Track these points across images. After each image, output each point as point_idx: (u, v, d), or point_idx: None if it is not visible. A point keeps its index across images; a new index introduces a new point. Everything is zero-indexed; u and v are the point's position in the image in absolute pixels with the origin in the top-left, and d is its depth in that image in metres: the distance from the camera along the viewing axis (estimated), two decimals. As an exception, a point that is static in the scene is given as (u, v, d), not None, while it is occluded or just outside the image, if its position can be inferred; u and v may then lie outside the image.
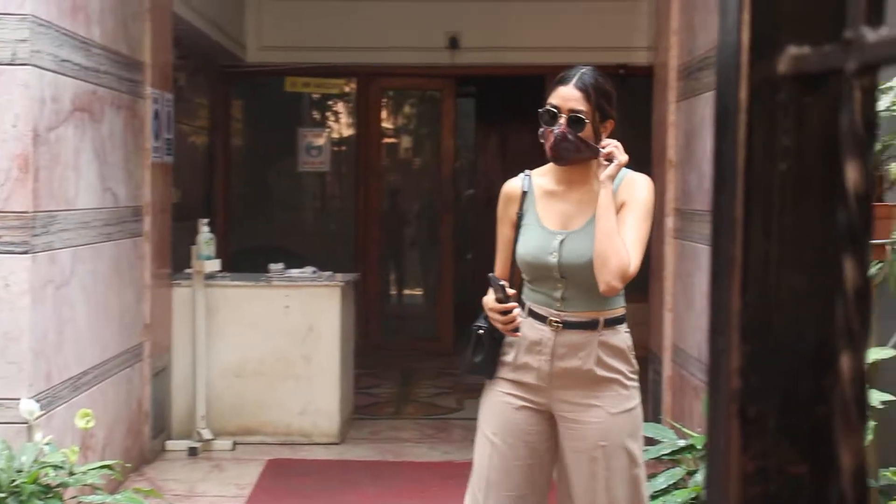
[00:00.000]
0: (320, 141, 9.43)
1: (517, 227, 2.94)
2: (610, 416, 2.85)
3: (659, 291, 5.80)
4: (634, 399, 2.91)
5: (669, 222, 5.65)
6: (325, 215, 9.76)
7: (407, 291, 10.03)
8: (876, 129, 0.79)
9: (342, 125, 9.82)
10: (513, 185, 3.00)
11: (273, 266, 6.48)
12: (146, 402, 5.71)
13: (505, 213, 3.00)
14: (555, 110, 2.86)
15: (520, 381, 2.91)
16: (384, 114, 9.77)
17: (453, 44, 9.06)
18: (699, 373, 4.97)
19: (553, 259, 2.86)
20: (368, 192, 9.39)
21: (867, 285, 0.73)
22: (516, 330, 2.84)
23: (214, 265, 6.04)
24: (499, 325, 2.84)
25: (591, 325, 2.85)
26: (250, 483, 5.34)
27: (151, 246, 5.70)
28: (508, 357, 2.93)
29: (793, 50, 0.82)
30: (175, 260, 6.23)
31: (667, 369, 5.58)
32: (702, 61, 5.09)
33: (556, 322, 2.85)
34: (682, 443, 3.61)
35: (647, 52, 8.64)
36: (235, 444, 6.02)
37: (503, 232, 3.00)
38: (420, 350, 9.04)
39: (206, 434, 5.97)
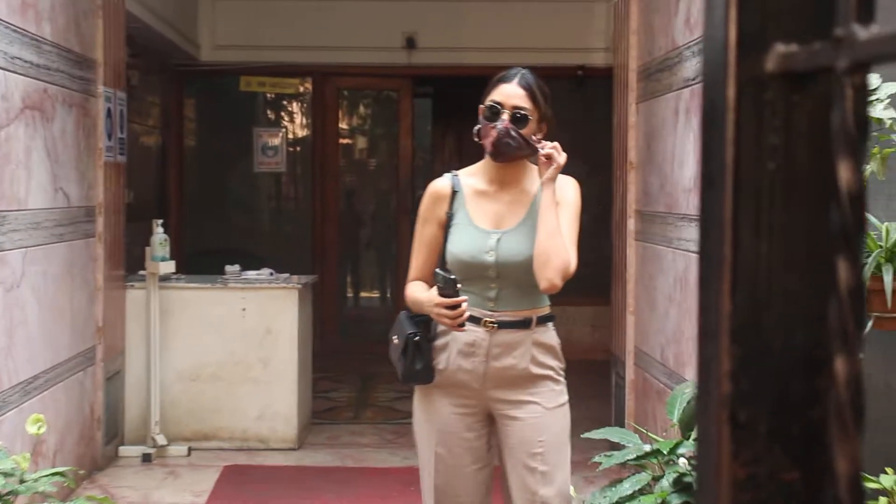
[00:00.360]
0: (276, 141, 9.37)
1: (446, 226, 2.97)
2: (546, 411, 2.93)
3: (621, 294, 5.82)
4: (565, 395, 3.01)
5: (631, 224, 5.67)
6: (282, 216, 9.71)
7: (364, 294, 10.00)
8: (868, 128, 0.79)
9: (298, 125, 9.77)
10: (441, 185, 3.02)
11: (229, 268, 6.45)
12: (99, 407, 5.65)
13: (432, 213, 3.01)
14: (498, 106, 2.90)
15: (454, 385, 2.94)
16: (340, 114, 9.73)
17: (410, 43, 9.05)
18: (662, 376, 4.98)
19: (490, 258, 2.89)
20: (325, 192, 9.35)
21: (861, 286, 0.73)
22: (462, 325, 2.84)
23: (169, 267, 5.99)
24: (446, 322, 2.83)
25: (524, 324, 2.92)
26: (206, 490, 5.30)
27: (104, 247, 5.65)
28: (440, 362, 2.95)
29: (780, 48, 0.82)
30: (128, 261, 6.18)
31: (630, 373, 5.59)
32: (662, 63, 5.11)
33: (492, 322, 2.90)
34: (647, 447, 3.57)
35: (605, 53, 8.69)
36: (191, 449, 5.98)
37: (427, 232, 3.00)
38: (378, 353, 8.94)
39: (161, 440, 5.93)
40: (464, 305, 2.81)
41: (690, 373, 4.43)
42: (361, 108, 10.26)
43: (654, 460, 3.61)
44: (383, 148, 10.04)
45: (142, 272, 6.08)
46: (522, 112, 2.91)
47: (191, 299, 6.13)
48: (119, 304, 5.99)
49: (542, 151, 2.87)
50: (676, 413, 3.73)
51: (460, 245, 2.93)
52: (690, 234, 4.56)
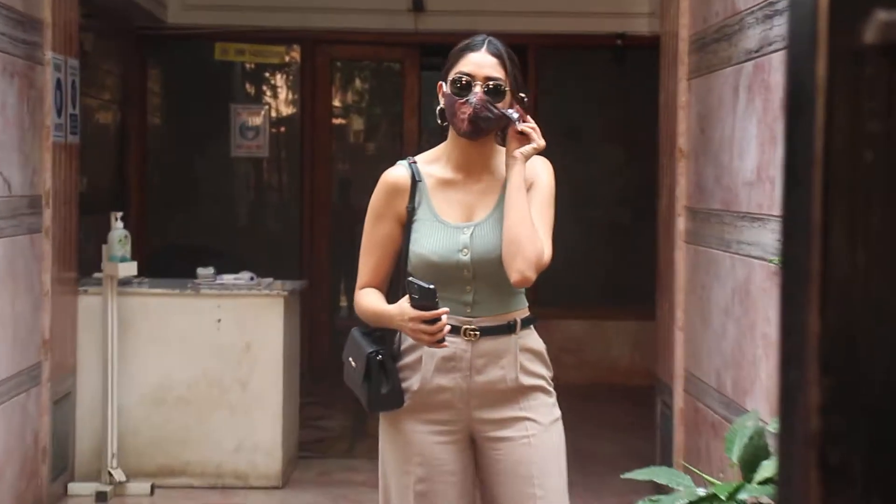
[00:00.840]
0: (257, 120, 9.40)
1: (406, 224, 3.00)
2: (542, 428, 2.99)
3: (668, 307, 5.82)
4: (558, 408, 3.06)
5: (680, 224, 5.67)
6: (264, 210, 9.73)
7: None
8: None
9: (283, 102, 9.80)
10: (398, 175, 3.05)
11: (202, 270, 6.46)
12: (44, 436, 5.66)
13: (388, 208, 3.04)
14: (469, 78, 2.95)
15: (433, 408, 2.98)
16: (333, 89, 9.75)
17: (417, 5, 9.07)
18: (718, 406, 4.98)
19: (464, 256, 2.95)
20: (315, 182, 9.38)
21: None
22: (442, 340, 2.87)
23: (130, 269, 6.01)
24: (424, 339, 2.85)
25: (508, 329, 2.98)
26: None
27: (53, 244, 5.66)
28: (412, 383, 2.98)
29: (882, 15, 0.82)
30: (81, 262, 6.18)
31: (678, 401, 5.60)
32: (719, 30, 5.11)
33: (473, 330, 2.95)
34: (701, 492, 3.49)
35: (650, 18, 8.69)
36: (154, 487, 5.99)
37: (381, 231, 3.03)
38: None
39: (119, 475, 5.93)
40: (444, 318, 2.84)
41: (752, 402, 4.44)
42: (358, 83, 10.28)
43: None
44: (384, 130, 10.05)
45: (97, 275, 6.08)
46: (497, 83, 2.95)
47: (155, 308, 6.14)
48: (70, 313, 6.00)
49: (518, 126, 2.92)
50: (736, 451, 3.65)
51: (428, 244, 2.98)
52: (752, 235, 4.56)
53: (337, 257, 9.43)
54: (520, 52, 9.01)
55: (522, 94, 3.01)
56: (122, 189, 8.89)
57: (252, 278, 6.38)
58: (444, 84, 3.01)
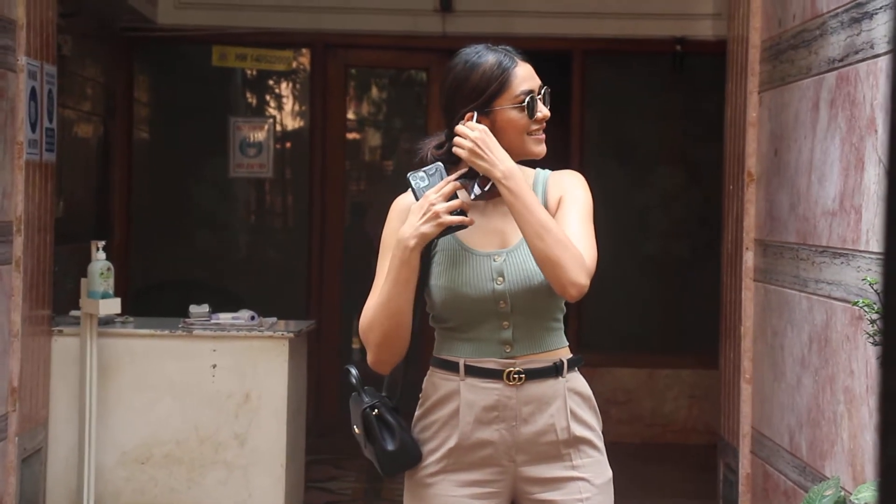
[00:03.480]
0: (260, 135, 9.44)
1: (426, 256, 3.00)
2: (595, 490, 3.02)
3: (733, 355, 5.81)
4: (607, 466, 3.09)
5: (748, 259, 5.67)
6: (267, 238, 9.76)
7: (377, 347, 10.00)
8: None
9: (290, 114, 9.84)
10: (412, 201, 3.04)
11: (195, 308, 6.48)
12: (10, 499, 5.64)
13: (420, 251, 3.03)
14: (532, 94, 3.04)
15: (471, 467, 3.00)
16: (348, 99, 9.80)
17: (445, 5, 9.10)
18: (791, 470, 4.96)
19: (500, 286, 2.97)
20: (326, 206, 9.40)
21: None
22: (464, 213, 2.92)
23: (112, 306, 6.03)
24: (444, 220, 2.90)
25: (555, 370, 3.01)
26: None
27: (24, 278, 5.67)
28: (448, 439, 3.00)
29: None
30: (57, 298, 6.20)
31: (744, 464, 5.59)
32: (797, 36, 5.11)
33: (517, 373, 2.97)
34: None
35: (714, 21, 8.70)
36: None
37: (411, 274, 3.00)
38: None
39: None
40: (453, 186, 2.91)
41: (832, 467, 4.42)
42: (376, 92, 10.32)
43: None
44: (406, 147, 10.08)
45: (75, 313, 6.11)
46: (548, 89, 3.09)
47: (141, 352, 6.16)
48: (42, 357, 6.01)
49: (461, 131, 2.96)
50: None
51: (455, 276, 3.00)
52: (833, 274, 4.55)
53: (349, 294, 9.43)
54: (562, 58, 9.11)
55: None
56: (104, 214, 8.93)
57: (253, 318, 6.39)
58: (495, 112, 3.00)
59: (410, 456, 3.02)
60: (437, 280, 3.00)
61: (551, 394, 2.99)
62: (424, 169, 2.96)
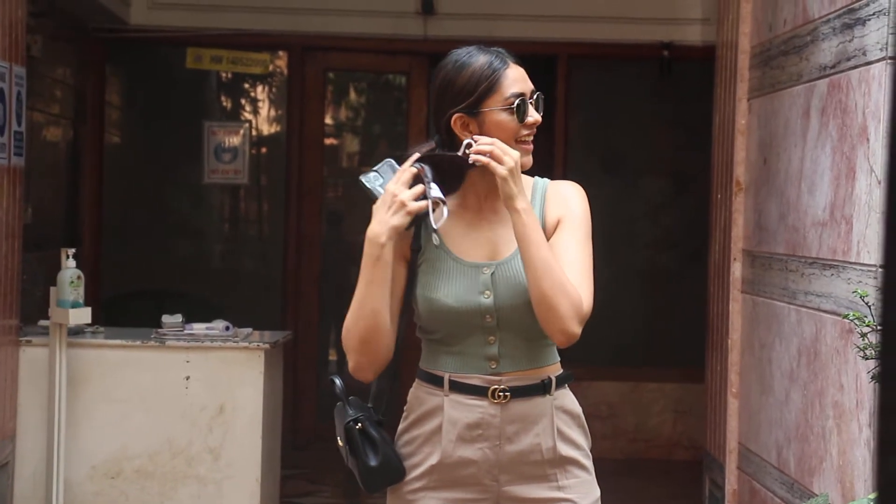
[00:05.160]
0: (235, 140, 9.43)
1: (412, 265, 3.01)
2: (581, 498, 3.00)
3: (720, 368, 5.82)
4: (596, 485, 3.07)
5: (736, 270, 5.68)
6: (242, 247, 9.75)
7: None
8: None
9: (266, 119, 9.84)
10: None
11: (168, 318, 6.46)
12: (-23, 514, 5.65)
13: (392, 246, 2.99)
14: (522, 97, 3.01)
15: (454, 485, 2.99)
16: (326, 104, 9.79)
17: (427, 7, 9.11)
18: (779, 487, 4.97)
19: (487, 299, 2.95)
20: (303, 214, 9.39)
21: None
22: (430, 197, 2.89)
23: (82, 315, 6.00)
24: (409, 206, 2.88)
25: (542, 388, 2.99)
26: None
27: (-10, 289, 5.64)
28: (430, 456, 3.00)
29: None
30: (25, 307, 6.19)
31: (731, 480, 5.59)
32: (787, 42, 5.13)
33: (502, 391, 2.96)
34: None
35: (703, 26, 8.73)
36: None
37: (385, 272, 2.97)
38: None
39: None
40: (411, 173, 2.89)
41: (821, 483, 4.43)
42: (355, 97, 10.32)
43: None
44: (385, 152, 10.07)
45: (43, 322, 6.09)
46: (539, 93, 3.05)
47: (112, 363, 6.15)
48: (9, 368, 5.99)
49: (473, 156, 2.91)
50: None
51: (441, 287, 2.97)
52: (823, 286, 4.56)
53: (327, 304, 9.43)
54: (547, 62, 9.11)
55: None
56: (74, 221, 8.90)
57: (227, 328, 6.39)
58: (483, 113, 2.98)
59: (393, 472, 3.00)
60: (423, 290, 2.98)
61: (538, 412, 2.97)
62: (374, 168, 2.94)
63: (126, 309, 7.83)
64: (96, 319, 6.31)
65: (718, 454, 5.77)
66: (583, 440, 3.04)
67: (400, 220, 2.87)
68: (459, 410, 2.96)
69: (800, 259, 4.85)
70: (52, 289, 5.99)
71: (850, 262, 4.26)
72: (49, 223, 8.21)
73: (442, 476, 2.98)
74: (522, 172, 2.99)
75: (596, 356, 8.86)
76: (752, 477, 5.36)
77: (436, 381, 2.99)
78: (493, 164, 2.87)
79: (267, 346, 6.24)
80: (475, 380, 2.95)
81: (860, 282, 4.10)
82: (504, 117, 2.97)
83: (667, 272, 9.24)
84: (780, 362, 5.03)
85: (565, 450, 2.99)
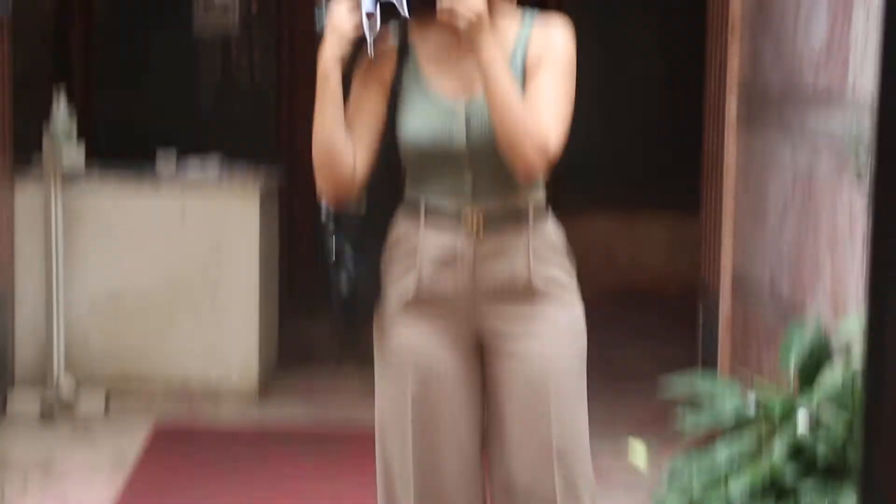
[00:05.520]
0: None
1: (392, 96, 2.99)
2: (556, 337, 3.03)
3: (715, 201, 5.82)
4: (577, 308, 3.08)
5: (731, 105, 5.63)
6: (233, 90, 9.65)
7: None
8: None
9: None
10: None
11: (162, 153, 6.44)
12: (-22, 348, 5.69)
13: (369, 75, 3.00)
14: None
15: (431, 312, 3.02)
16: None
17: None
18: (772, 311, 4.99)
19: (459, 134, 2.94)
20: (294, 58, 9.30)
21: None
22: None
23: (76, 156, 6.01)
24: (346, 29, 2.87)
25: (517, 217, 3.00)
26: (131, 455, 5.39)
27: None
28: (408, 284, 3.01)
29: None
30: (17, 148, 6.16)
31: (725, 307, 5.59)
32: None
33: (475, 220, 2.97)
34: (751, 402, 3.68)
35: None
36: (108, 402, 6.06)
37: (363, 100, 2.98)
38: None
39: (68, 385, 5.98)
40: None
41: (813, 307, 4.44)
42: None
43: (761, 421, 3.65)
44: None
45: (36, 165, 6.08)
46: None
47: (108, 201, 6.18)
48: (6, 207, 6.02)
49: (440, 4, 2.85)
50: (793, 359, 3.79)
51: (417, 124, 2.97)
52: (818, 119, 4.54)
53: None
54: None
55: None
56: (63, 61, 8.80)
57: (221, 164, 6.39)
58: None
59: (367, 302, 3.05)
60: (400, 122, 2.98)
61: (512, 241, 2.99)
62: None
63: (119, 147, 7.77)
64: (90, 157, 6.26)
65: (713, 282, 5.75)
66: (559, 268, 3.05)
67: (337, 48, 2.85)
68: (434, 239, 2.98)
69: (795, 94, 4.81)
70: (45, 130, 5.97)
71: (846, 97, 4.22)
72: (36, 64, 8.10)
73: (420, 301, 3.01)
74: None
75: (591, 190, 8.87)
76: (746, 303, 5.38)
77: (414, 209, 3.01)
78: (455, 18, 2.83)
79: (262, 181, 6.27)
80: (450, 209, 2.97)
81: (856, 116, 4.04)
82: None
83: (662, 109, 9.21)
84: (776, 193, 5.02)
85: (541, 281, 3.01)
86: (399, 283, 3.02)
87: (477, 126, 2.93)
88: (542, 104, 2.90)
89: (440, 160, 2.97)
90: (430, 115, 2.96)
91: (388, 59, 2.99)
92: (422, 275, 2.99)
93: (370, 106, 2.99)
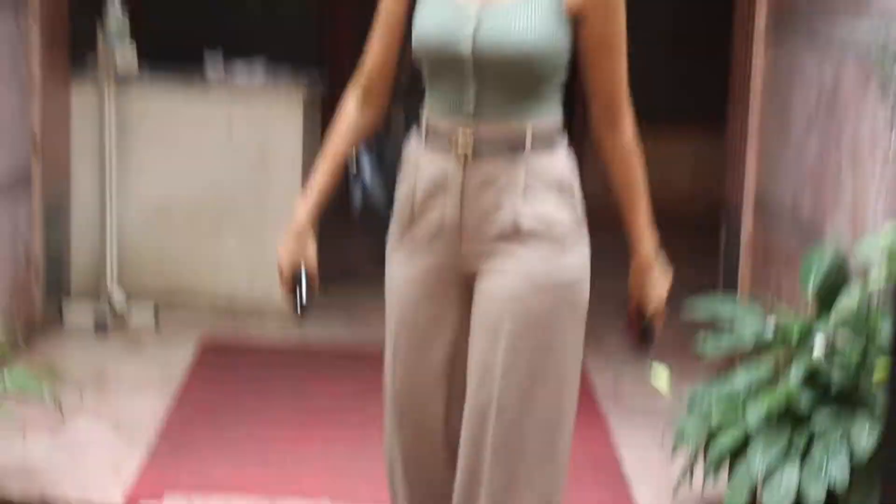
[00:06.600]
0: None
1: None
2: (533, 287, 2.65)
3: (740, 119, 5.59)
4: (577, 268, 2.71)
5: (760, 22, 5.38)
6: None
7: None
8: None
9: None
10: None
11: (209, 55, 6.27)
12: (37, 249, 5.64)
13: None
14: None
15: (421, 241, 2.73)
16: None
17: None
18: (793, 232, 4.84)
19: (466, 42, 2.62)
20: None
21: None
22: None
23: (129, 60, 5.82)
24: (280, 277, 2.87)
25: (513, 144, 2.64)
26: (180, 366, 5.36)
27: (41, 25, 5.47)
28: (404, 203, 2.75)
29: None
30: (73, 47, 5.98)
31: (747, 228, 5.43)
32: None
33: (465, 144, 2.63)
34: (770, 328, 3.54)
35: None
36: (158, 312, 5.98)
37: (390, 5, 2.78)
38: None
39: (119, 298, 5.93)
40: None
41: (833, 225, 4.28)
42: None
43: (779, 347, 3.53)
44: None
45: (91, 66, 5.90)
46: None
47: (159, 106, 6.04)
48: (62, 108, 5.90)
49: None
50: (812, 283, 3.65)
51: (427, 25, 2.67)
52: (844, 28, 4.32)
53: (362, 43, 9.15)
54: None
55: None
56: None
57: (266, 69, 6.22)
58: None
59: (377, 218, 2.83)
60: (415, 27, 2.70)
61: (504, 172, 2.64)
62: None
63: (169, 51, 7.54)
64: (142, 60, 6.01)
65: (735, 203, 5.64)
66: (557, 208, 2.66)
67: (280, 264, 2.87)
68: (427, 164, 2.70)
69: (822, 7, 4.61)
70: (99, 32, 5.75)
71: (873, 4, 4.00)
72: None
73: (412, 230, 2.74)
74: None
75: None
76: (767, 226, 5.24)
77: (419, 127, 2.74)
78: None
79: (304, 85, 6.14)
80: (445, 128, 2.66)
81: (883, 23, 3.81)
82: None
83: (689, 26, 8.89)
84: (800, 109, 4.83)
85: (528, 221, 2.64)
86: (399, 206, 2.77)
87: (486, 31, 2.61)
88: (618, 85, 2.72)
89: (444, 67, 2.66)
90: (441, 16, 2.65)
91: None
92: (415, 199, 2.72)
93: (396, 9, 2.75)
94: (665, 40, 8.91)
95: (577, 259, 2.69)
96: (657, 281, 2.82)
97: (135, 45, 5.86)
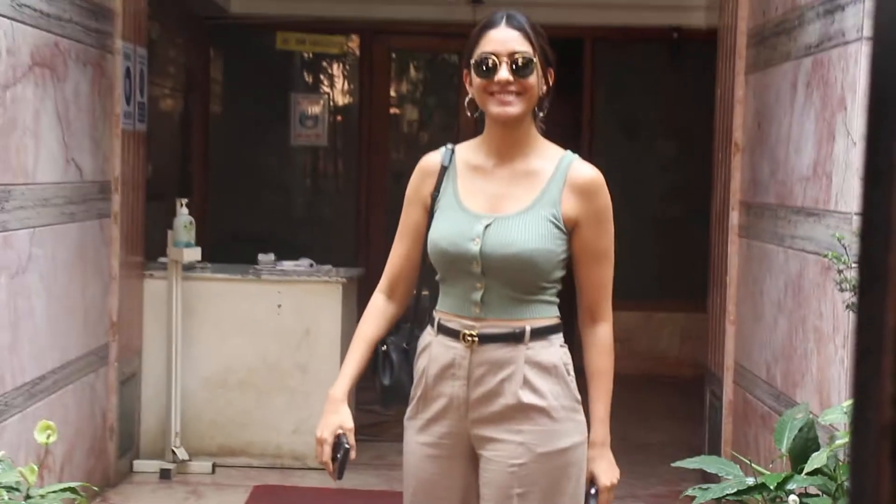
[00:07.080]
0: (316, 109, 9.45)
1: (431, 210, 2.81)
2: (534, 455, 2.71)
3: (719, 300, 5.80)
4: (571, 437, 2.75)
5: (734, 218, 5.63)
6: (322, 198, 9.77)
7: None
8: None
9: (341, 91, 9.84)
10: (431, 160, 2.87)
11: (262, 257, 6.51)
12: (112, 415, 5.72)
13: (417, 193, 2.86)
14: (492, 57, 2.71)
15: (432, 417, 2.78)
16: (391, 79, 9.78)
17: (476, -2, 9.07)
18: (768, 398, 4.96)
19: (475, 247, 2.70)
20: (372, 171, 9.41)
21: None
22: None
23: (194, 254, 6.05)
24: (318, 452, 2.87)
25: (514, 337, 2.71)
26: None
27: (121, 229, 5.71)
28: (418, 388, 2.81)
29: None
30: (148, 247, 6.25)
31: (728, 392, 5.58)
32: (779, 25, 5.08)
33: (471, 336, 2.72)
34: (750, 481, 3.56)
35: (707, 12, 8.65)
36: (215, 466, 6.07)
37: (410, 216, 2.86)
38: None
39: (182, 454, 6.00)
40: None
41: (802, 395, 4.42)
42: (415, 73, 10.29)
43: (758, 496, 3.56)
44: (437, 121, 10.06)
45: (162, 259, 6.15)
46: (524, 57, 2.70)
47: (218, 293, 6.20)
48: (136, 297, 6.06)
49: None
50: (786, 442, 3.69)
51: (441, 231, 2.75)
52: (806, 230, 4.53)
53: (391, 245, 9.43)
54: (576, 45, 9.05)
55: (550, 69, 2.77)
56: (186, 176, 8.97)
57: (311, 265, 6.42)
58: (469, 71, 2.76)
59: (398, 394, 2.87)
60: (431, 232, 2.78)
61: (506, 359, 2.70)
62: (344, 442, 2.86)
63: (228, 250, 7.87)
64: (205, 258, 6.32)
65: (718, 371, 5.74)
66: (552, 392, 2.72)
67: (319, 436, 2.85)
68: (440, 350, 2.75)
69: (787, 208, 4.81)
70: (170, 232, 6.04)
71: (830, 211, 4.22)
72: (166, 178, 8.28)
73: (424, 407, 2.79)
74: (550, 129, 2.84)
75: (616, 289, 8.83)
76: (746, 389, 5.35)
77: (433, 319, 2.81)
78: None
79: (343, 279, 6.27)
80: (454, 323, 2.73)
81: (838, 227, 4.05)
82: (473, 73, 2.74)
83: (676, 220, 9.22)
84: (770, 294, 5.00)
85: (529, 398, 2.69)
86: (416, 388, 2.81)
87: (493, 238, 2.69)
88: (602, 290, 2.82)
89: (456, 268, 2.73)
90: (455, 221, 2.74)
91: (430, 179, 2.85)
92: (428, 382, 2.77)
93: (418, 219, 2.85)
94: (656, 232, 9.13)
95: (573, 429, 2.73)
96: (604, 472, 2.76)
97: (199, 248, 6.05)
